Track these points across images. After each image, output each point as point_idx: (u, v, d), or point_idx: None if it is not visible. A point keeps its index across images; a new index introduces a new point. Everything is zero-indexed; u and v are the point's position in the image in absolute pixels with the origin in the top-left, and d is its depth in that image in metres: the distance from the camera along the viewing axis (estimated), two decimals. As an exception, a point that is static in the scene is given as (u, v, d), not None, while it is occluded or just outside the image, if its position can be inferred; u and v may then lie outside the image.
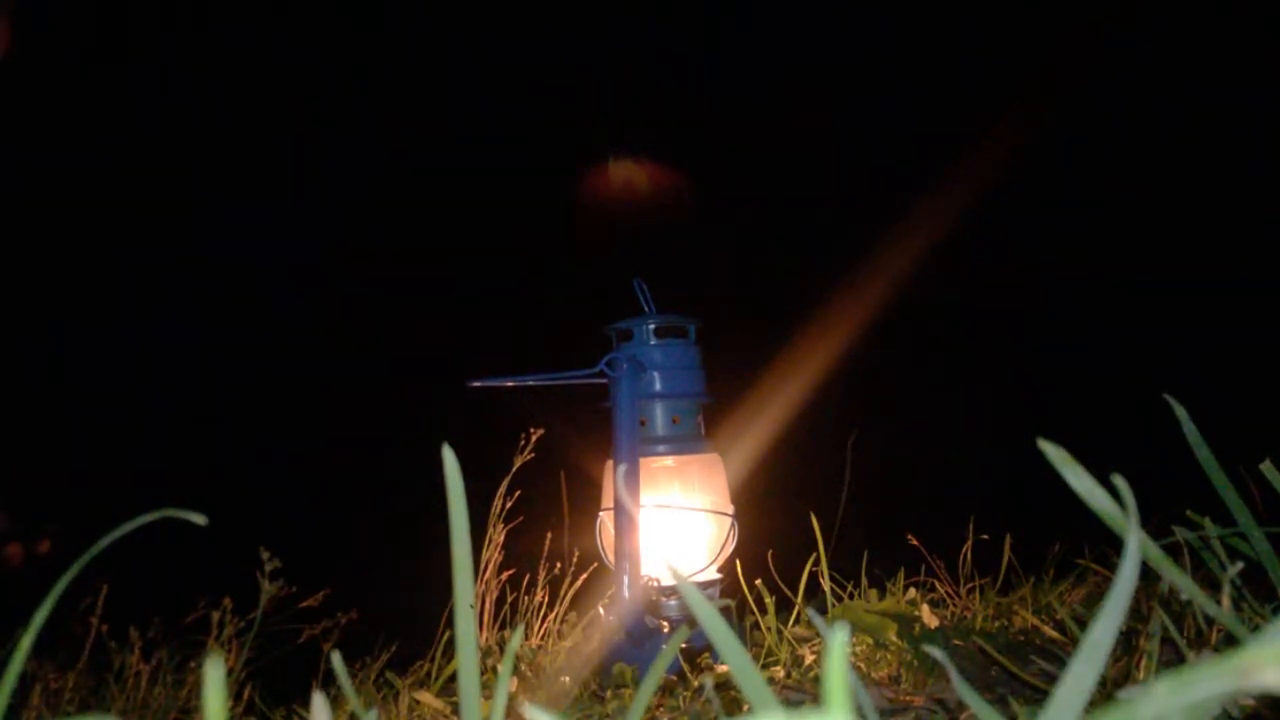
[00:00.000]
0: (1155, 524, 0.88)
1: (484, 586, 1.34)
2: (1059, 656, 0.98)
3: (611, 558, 1.25)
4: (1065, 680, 0.31)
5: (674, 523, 1.30)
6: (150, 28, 3.48)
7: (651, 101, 4.08)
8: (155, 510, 0.47)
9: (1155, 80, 3.67)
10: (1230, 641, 0.75)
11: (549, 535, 1.44)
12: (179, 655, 1.36)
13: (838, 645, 0.26)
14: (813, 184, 4.09)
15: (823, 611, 1.21)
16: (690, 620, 1.07)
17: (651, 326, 1.31)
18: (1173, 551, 0.75)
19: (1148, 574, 0.55)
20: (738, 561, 1.28)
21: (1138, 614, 0.83)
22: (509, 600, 1.38)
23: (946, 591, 1.35)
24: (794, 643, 1.15)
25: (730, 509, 1.32)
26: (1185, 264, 3.64)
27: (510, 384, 1.31)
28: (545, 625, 1.36)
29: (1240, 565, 0.60)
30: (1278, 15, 3.30)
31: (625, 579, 1.17)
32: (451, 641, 1.18)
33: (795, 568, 1.26)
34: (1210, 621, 0.79)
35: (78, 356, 3.46)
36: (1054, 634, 1.07)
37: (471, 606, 0.45)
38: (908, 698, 0.95)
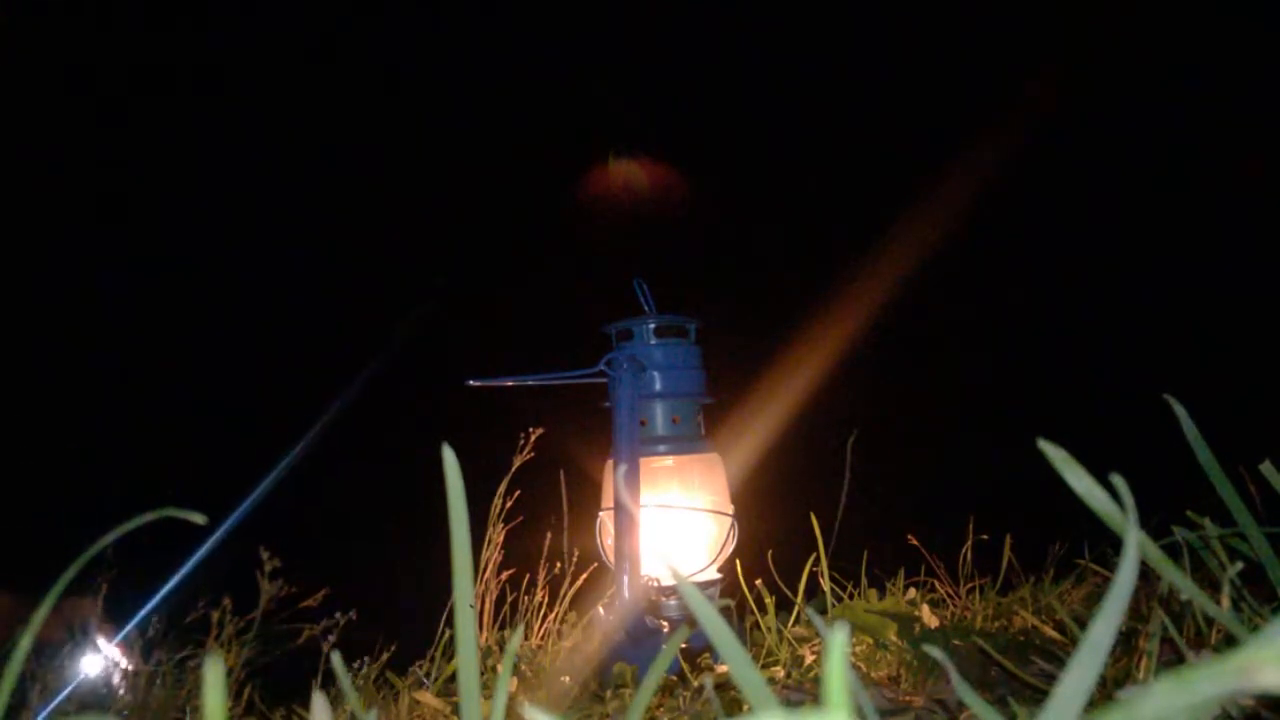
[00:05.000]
0: (1155, 524, 0.88)
1: (484, 586, 1.34)
2: (1059, 656, 0.98)
3: (611, 558, 1.25)
4: (1065, 680, 0.31)
5: (674, 523, 1.30)
6: (139, 21, 3.48)
7: (652, 101, 4.08)
8: (155, 510, 0.47)
9: (1155, 79, 3.67)
10: (1230, 641, 0.75)
11: (549, 535, 1.44)
12: (179, 655, 1.36)
13: (838, 645, 0.26)
14: (814, 183, 4.09)
15: (823, 611, 1.21)
16: (690, 620, 1.07)
17: (651, 326, 1.31)
18: (1172, 551, 0.75)
19: (1148, 574, 0.55)
20: (738, 561, 1.28)
21: (1138, 614, 0.83)
22: (509, 600, 1.38)
23: (946, 591, 1.35)
24: (794, 643, 1.15)
25: (730, 509, 1.32)
26: (1185, 264, 3.64)
27: (510, 384, 1.32)
28: (545, 625, 1.36)
29: (1240, 565, 0.60)
30: (1277, 14, 3.30)
31: (625, 579, 1.17)
32: (451, 641, 1.18)
33: (795, 568, 1.26)
34: (1210, 621, 0.79)
35: (78, 357, 3.46)
36: (1054, 634, 1.06)
37: (471, 606, 0.45)
38: (908, 698, 0.95)
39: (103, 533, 0.47)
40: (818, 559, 1.25)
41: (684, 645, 1.15)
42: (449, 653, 1.22)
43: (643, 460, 1.26)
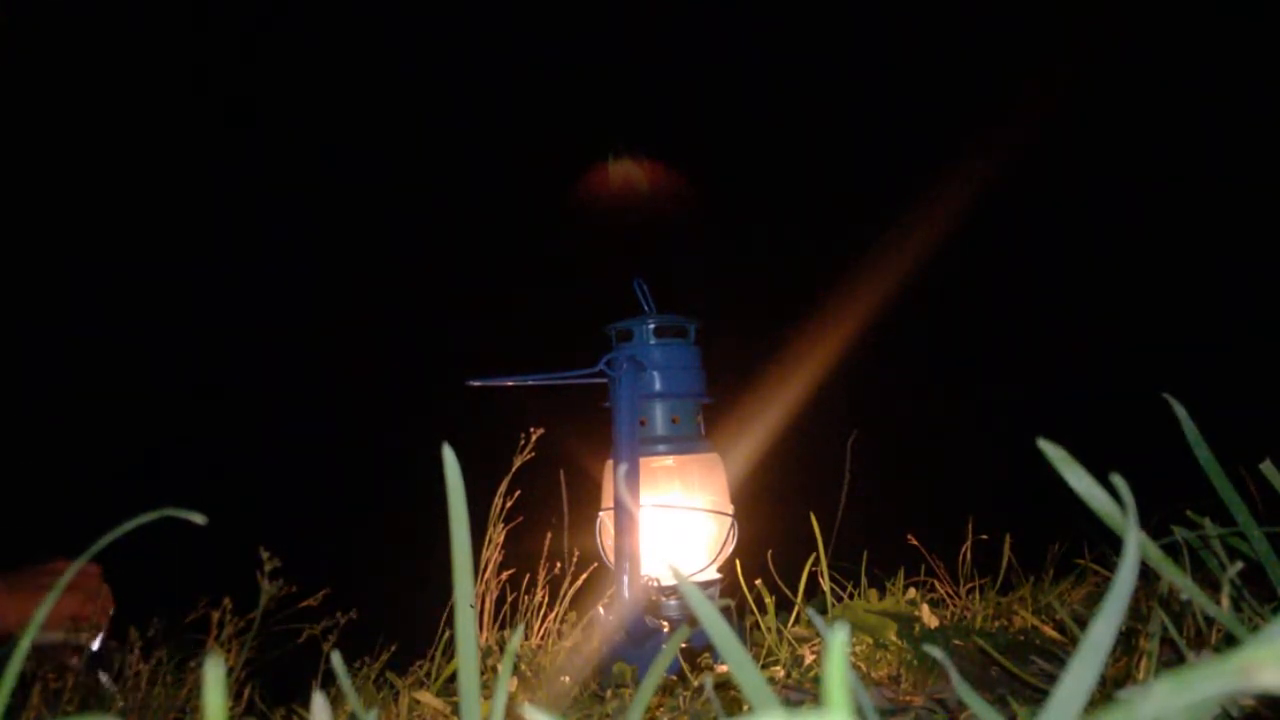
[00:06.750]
0: (1155, 524, 0.88)
1: (484, 586, 1.34)
2: (1059, 656, 0.98)
3: (611, 558, 1.25)
4: (1065, 680, 0.31)
5: (674, 522, 1.30)
6: (138, 25, 3.47)
7: (652, 100, 4.08)
8: (155, 510, 0.47)
9: (1155, 79, 3.67)
10: (1230, 641, 0.75)
11: (549, 535, 1.44)
12: (179, 655, 1.35)
13: (837, 645, 0.26)
14: (813, 183, 4.09)
15: (823, 611, 1.21)
16: (690, 620, 1.07)
17: (651, 326, 1.31)
18: (1172, 551, 0.75)
19: (1148, 574, 0.55)
20: (738, 561, 1.27)
21: (1138, 614, 0.83)
22: (509, 600, 1.38)
23: (946, 591, 1.35)
24: (794, 643, 1.15)
25: (730, 509, 1.32)
26: (1185, 263, 3.64)
27: (510, 384, 1.32)
28: (545, 625, 1.36)
29: (1240, 565, 0.60)
30: (1277, 14, 3.30)
31: (625, 579, 1.17)
32: (451, 641, 1.18)
33: (795, 568, 1.26)
34: (1210, 621, 0.79)
35: (77, 357, 3.46)
36: (1054, 634, 1.06)
37: (471, 606, 0.45)
38: (908, 698, 0.95)
39: (102, 533, 0.47)
40: (818, 559, 1.25)
41: (684, 645, 1.15)
42: (449, 653, 1.22)
43: (643, 460, 1.26)
